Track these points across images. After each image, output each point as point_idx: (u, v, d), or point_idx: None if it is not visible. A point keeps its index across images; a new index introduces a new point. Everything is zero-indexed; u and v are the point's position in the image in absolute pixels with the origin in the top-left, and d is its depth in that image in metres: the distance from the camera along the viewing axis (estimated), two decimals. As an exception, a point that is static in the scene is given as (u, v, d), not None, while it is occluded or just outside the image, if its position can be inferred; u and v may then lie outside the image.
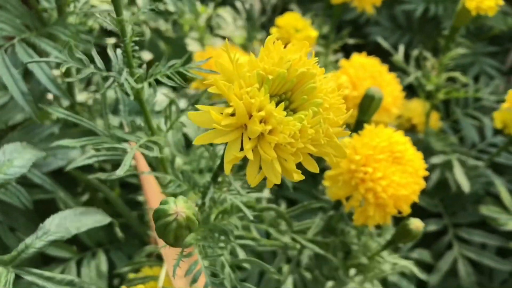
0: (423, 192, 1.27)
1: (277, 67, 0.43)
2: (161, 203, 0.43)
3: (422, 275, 1.11)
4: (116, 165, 1.25)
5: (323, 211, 0.93)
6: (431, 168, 1.21)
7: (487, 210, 1.13)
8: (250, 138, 0.43)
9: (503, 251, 1.18)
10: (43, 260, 1.01)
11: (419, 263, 1.13)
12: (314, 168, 0.47)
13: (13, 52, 0.85)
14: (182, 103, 1.23)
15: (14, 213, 0.95)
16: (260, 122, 0.42)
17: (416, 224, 0.74)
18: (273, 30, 1.13)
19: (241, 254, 0.82)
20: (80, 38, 0.90)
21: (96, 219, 0.61)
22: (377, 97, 0.83)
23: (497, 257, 1.13)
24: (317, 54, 1.40)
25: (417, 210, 1.26)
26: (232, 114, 0.43)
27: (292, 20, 1.09)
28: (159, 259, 0.89)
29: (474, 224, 1.21)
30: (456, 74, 1.12)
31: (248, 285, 0.68)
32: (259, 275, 1.02)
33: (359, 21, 1.59)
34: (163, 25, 1.34)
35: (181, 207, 0.41)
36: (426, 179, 1.24)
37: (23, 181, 0.93)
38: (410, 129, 1.34)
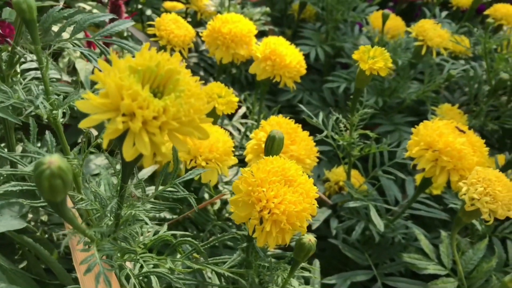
0: (353, 247, 1.38)
1: (147, 63, 0.59)
2: (40, 159, 0.54)
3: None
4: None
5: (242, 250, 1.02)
6: (355, 222, 1.33)
7: (409, 257, 1.24)
8: (124, 116, 0.57)
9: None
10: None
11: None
12: (182, 146, 0.60)
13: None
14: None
15: None
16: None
17: (308, 238, 0.85)
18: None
19: (154, 282, 0.89)
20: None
21: (11, 223, 0.69)
22: (277, 138, 0.99)
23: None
24: (249, 127, 1.59)
25: (349, 263, 1.36)
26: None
27: (216, 88, 1.28)
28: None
29: (401, 273, 1.31)
30: (365, 131, 1.30)
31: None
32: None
33: (293, 102, 1.82)
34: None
35: (55, 158, 0.53)
36: (351, 230, 1.36)
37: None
38: (338, 191, 1.49)
